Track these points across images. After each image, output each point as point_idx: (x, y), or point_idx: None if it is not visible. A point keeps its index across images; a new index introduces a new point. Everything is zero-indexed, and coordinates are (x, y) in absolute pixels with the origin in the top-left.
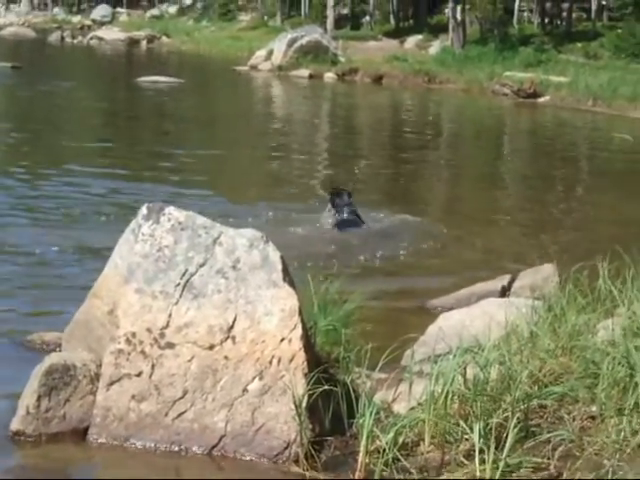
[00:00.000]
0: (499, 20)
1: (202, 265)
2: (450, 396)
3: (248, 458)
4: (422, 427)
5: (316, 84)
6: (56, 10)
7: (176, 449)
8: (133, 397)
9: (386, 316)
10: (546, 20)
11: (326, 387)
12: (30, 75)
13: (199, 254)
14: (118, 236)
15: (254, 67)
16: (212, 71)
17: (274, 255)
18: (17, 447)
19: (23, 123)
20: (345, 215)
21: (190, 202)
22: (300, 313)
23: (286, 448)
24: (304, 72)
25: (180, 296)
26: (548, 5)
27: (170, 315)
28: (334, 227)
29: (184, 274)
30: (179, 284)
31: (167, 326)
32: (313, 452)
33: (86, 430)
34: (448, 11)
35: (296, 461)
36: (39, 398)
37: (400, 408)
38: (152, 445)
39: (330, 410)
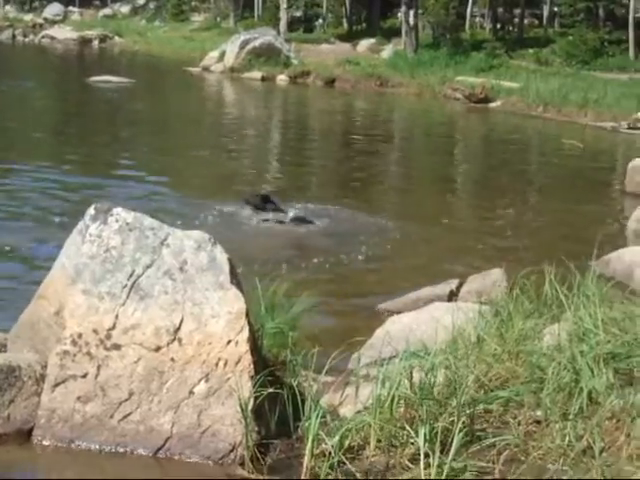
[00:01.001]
0: (451, 25)
1: (149, 266)
2: (396, 400)
3: (194, 460)
4: (368, 431)
5: (268, 86)
6: (7, 8)
7: (121, 451)
8: (78, 398)
9: (334, 319)
10: (498, 26)
11: (272, 390)
12: None
13: (146, 255)
14: (66, 236)
15: (206, 68)
16: (164, 71)
17: (222, 257)
18: None
19: None
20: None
21: (139, 202)
22: (247, 315)
23: (232, 451)
24: (256, 74)
25: (127, 297)
26: (500, 11)
27: (117, 316)
28: (291, 221)
29: (131, 275)
30: (126, 285)
31: (113, 327)
32: (259, 455)
33: (30, 431)
34: (401, 15)
35: (242, 464)
36: None
37: (346, 411)
38: (97, 447)
39: (276, 413)
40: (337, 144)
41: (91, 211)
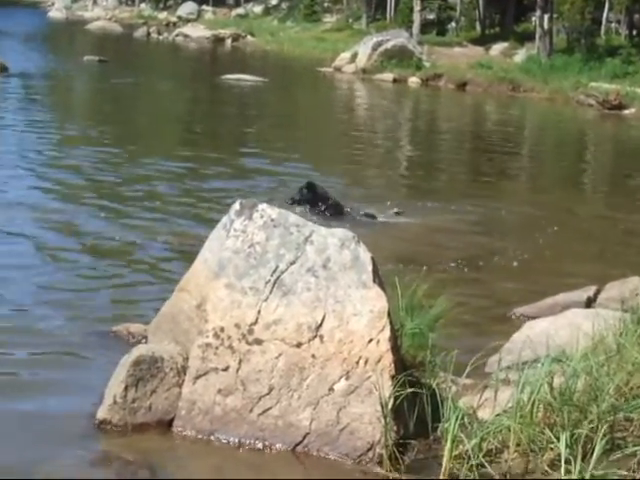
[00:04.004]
0: (586, 30)
1: (293, 263)
2: (536, 404)
3: (331, 457)
4: (507, 434)
5: (400, 88)
6: (143, 6)
7: (260, 445)
8: (219, 391)
9: (471, 322)
10: (634, 32)
11: (412, 390)
12: (116, 69)
13: (290, 252)
14: (207, 230)
15: (338, 69)
16: (296, 71)
17: (365, 256)
18: (103, 436)
19: (106, 116)
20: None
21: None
22: (389, 315)
23: (370, 449)
24: (388, 76)
25: (270, 293)
26: (637, 17)
27: (259, 311)
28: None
29: (274, 271)
30: (269, 281)
31: (256, 322)
32: (397, 454)
33: (171, 422)
34: (535, 19)
35: (379, 462)
36: (126, 388)
37: (485, 414)
38: (236, 440)
39: (415, 413)
40: (469, 145)
41: (236, 206)
